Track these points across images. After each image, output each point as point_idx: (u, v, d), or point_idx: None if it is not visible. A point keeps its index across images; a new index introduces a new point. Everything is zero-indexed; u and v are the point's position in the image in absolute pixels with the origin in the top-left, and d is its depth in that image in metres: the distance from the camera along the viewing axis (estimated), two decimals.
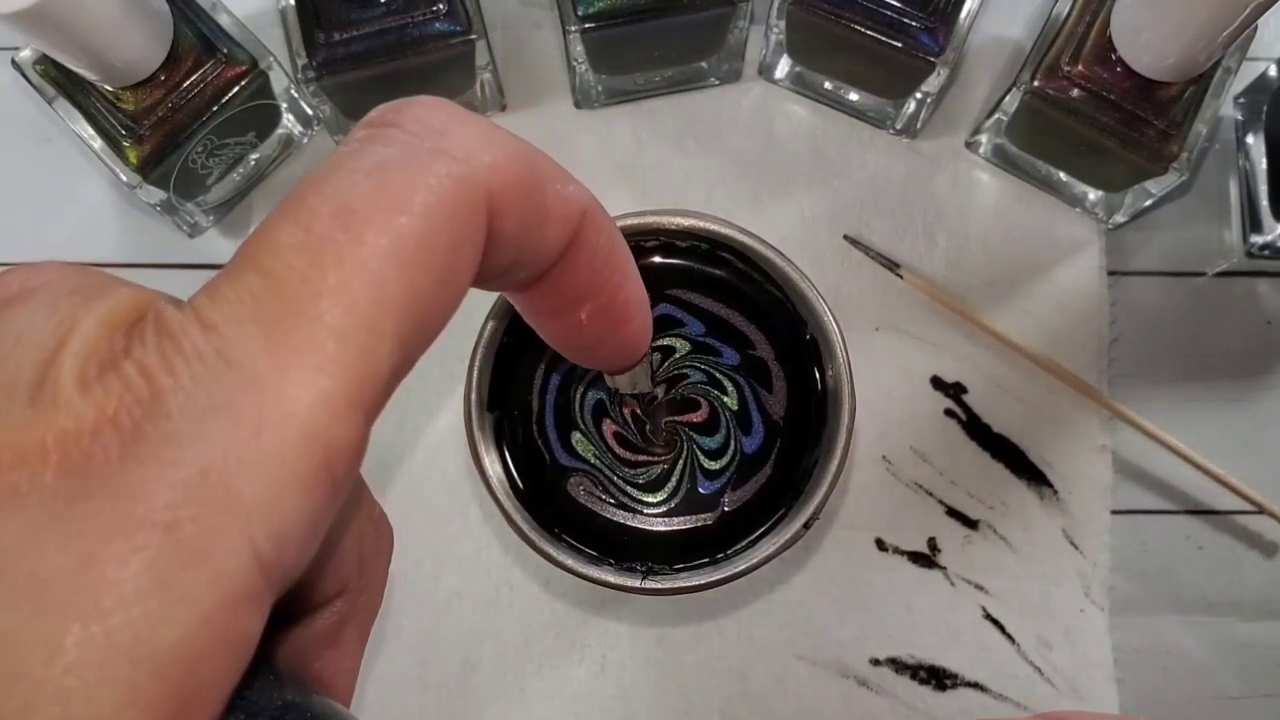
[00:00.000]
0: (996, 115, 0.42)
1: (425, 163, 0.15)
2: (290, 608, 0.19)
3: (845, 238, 0.45)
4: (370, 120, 0.16)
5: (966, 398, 0.44)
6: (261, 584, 0.13)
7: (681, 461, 0.35)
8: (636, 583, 0.33)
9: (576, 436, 0.36)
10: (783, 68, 0.45)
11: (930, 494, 0.43)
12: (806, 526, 0.33)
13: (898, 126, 0.45)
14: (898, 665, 0.42)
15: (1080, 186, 0.44)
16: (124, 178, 0.39)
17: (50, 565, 0.12)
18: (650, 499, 0.36)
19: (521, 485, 0.35)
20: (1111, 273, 0.45)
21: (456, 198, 0.15)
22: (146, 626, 0.12)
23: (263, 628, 0.13)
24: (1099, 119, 0.39)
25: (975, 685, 0.42)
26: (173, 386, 0.13)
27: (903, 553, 0.43)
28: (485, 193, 0.15)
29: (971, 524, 0.43)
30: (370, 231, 0.14)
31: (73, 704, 0.11)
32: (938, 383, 0.44)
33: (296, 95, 0.42)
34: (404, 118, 0.16)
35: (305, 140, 0.45)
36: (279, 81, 0.41)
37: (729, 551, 0.34)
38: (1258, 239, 0.45)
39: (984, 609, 0.43)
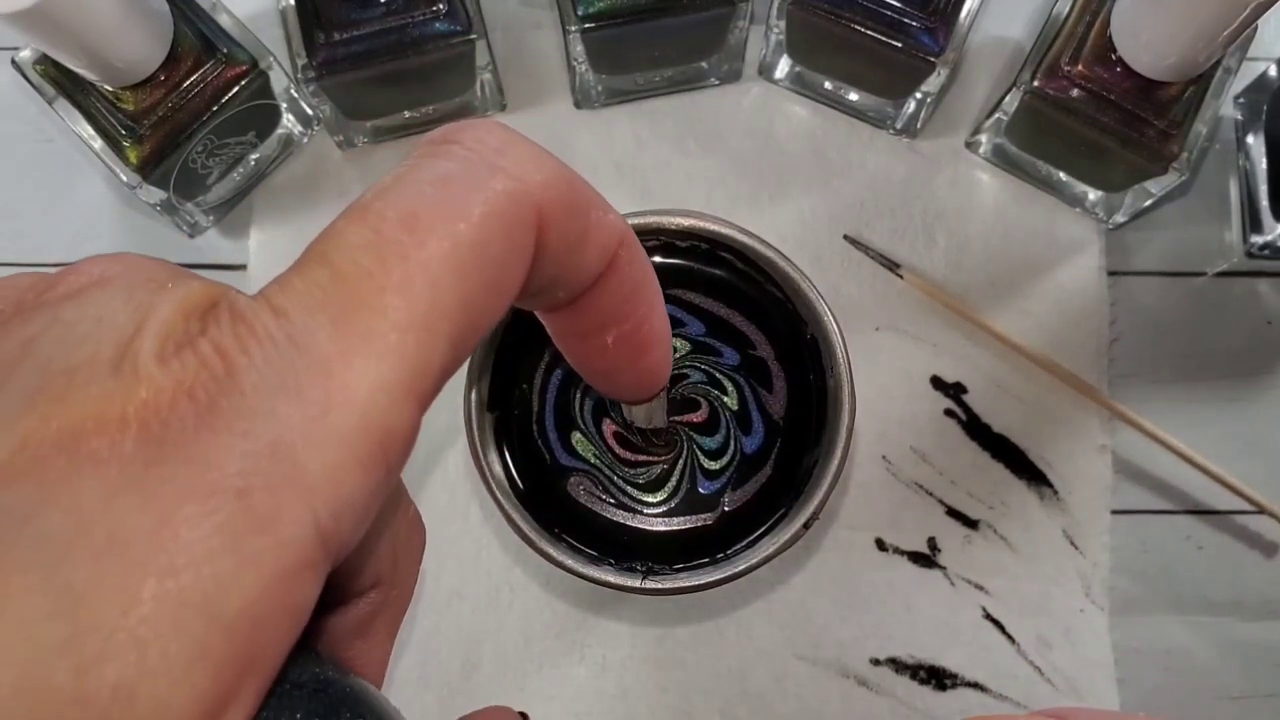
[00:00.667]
0: (996, 115, 0.42)
1: (484, 177, 0.16)
2: (328, 596, 0.20)
3: (845, 238, 0.45)
4: (433, 138, 0.17)
5: (966, 398, 0.44)
6: (320, 554, 0.14)
7: (681, 461, 0.35)
8: (636, 583, 0.33)
9: (576, 436, 0.36)
10: (783, 68, 0.45)
11: (930, 494, 0.43)
12: (806, 526, 0.33)
13: (898, 126, 0.45)
14: (898, 665, 0.42)
15: (1080, 186, 0.44)
16: (124, 178, 0.39)
17: (128, 526, 0.12)
18: (650, 499, 0.36)
19: (521, 485, 0.35)
20: (1111, 273, 0.45)
21: (511, 211, 0.16)
22: (216, 585, 0.12)
23: (316, 598, 0.14)
24: (1099, 119, 0.39)
25: (975, 685, 0.42)
26: (246, 365, 0.13)
27: (903, 553, 0.43)
28: (536, 209, 0.16)
29: (971, 524, 0.43)
30: (433, 236, 0.15)
31: (147, 653, 0.12)
32: (938, 383, 0.44)
33: (296, 95, 0.42)
34: (465, 136, 0.17)
35: (305, 140, 0.45)
36: (279, 81, 0.41)
37: (729, 551, 0.34)
38: (1258, 239, 0.45)
39: (984, 609, 0.43)
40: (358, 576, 0.20)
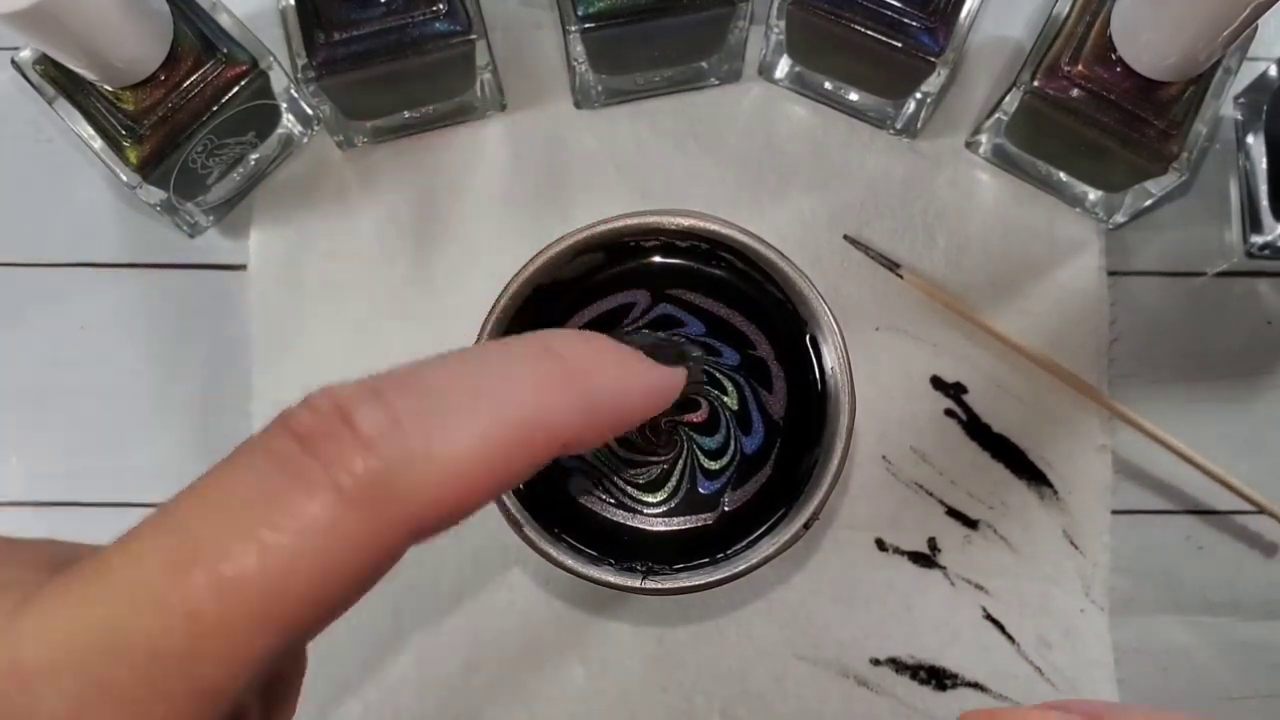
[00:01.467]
0: (996, 115, 0.42)
1: (333, 516, 0.13)
2: None
3: (845, 238, 0.45)
4: (292, 427, 0.13)
5: (966, 398, 0.44)
6: None
7: (681, 461, 0.35)
8: (636, 583, 0.33)
9: None
10: (783, 68, 0.45)
11: (930, 494, 0.43)
12: (806, 526, 0.33)
13: (898, 126, 0.45)
14: (898, 665, 0.42)
15: (1080, 186, 0.44)
16: (124, 178, 0.39)
17: None
18: (650, 499, 0.36)
19: (521, 485, 0.35)
20: (1111, 273, 0.45)
21: (363, 555, 0.13)
22: None
23: None
24: (1099, 119, 0.39)
25: (975, 685, 0.42)
26: None
27: (903, 553, 0.43)
28: (409, 534, 0.14)
29: (971, 524, 0.43)
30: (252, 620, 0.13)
31: None
32: (938, 383, 0.44)
33: (296, 95, 0.42)
34: (324, 447, 0.13)
35: (305, 140, 0.45)
36: (279, 81, 0.41)
37: (729, 551, 0.34)
38: (1258, 239, 0.45)
39: (984, 609, 0.43)
40: None
